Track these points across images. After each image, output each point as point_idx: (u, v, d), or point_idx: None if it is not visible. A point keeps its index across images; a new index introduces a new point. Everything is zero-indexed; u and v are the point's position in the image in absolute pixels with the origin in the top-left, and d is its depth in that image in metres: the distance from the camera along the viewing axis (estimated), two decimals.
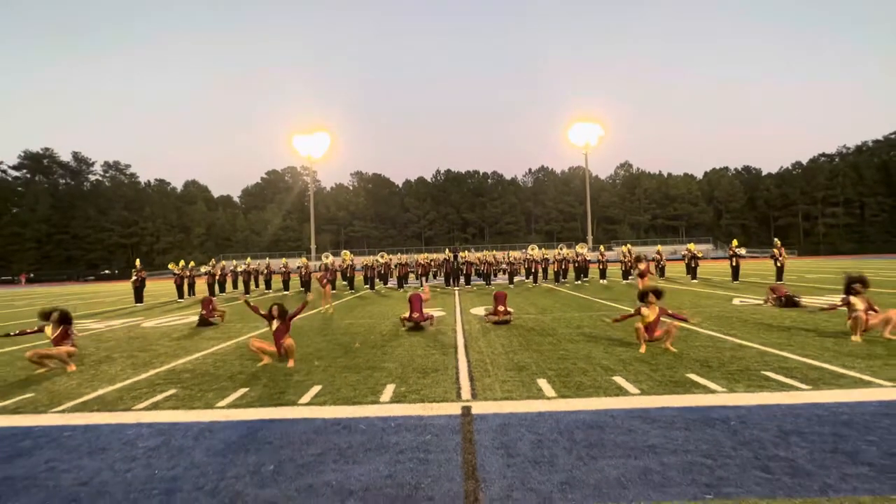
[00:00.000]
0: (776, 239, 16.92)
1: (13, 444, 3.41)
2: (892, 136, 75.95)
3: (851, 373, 4.44)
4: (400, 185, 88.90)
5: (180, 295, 17.70)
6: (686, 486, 2.45)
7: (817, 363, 4.84)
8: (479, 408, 3.83)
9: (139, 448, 3.23)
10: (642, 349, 5.64)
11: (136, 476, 2.80)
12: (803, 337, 6.26)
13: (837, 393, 3.88)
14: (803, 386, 4.09)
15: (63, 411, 4.14)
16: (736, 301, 10.74)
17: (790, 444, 2.92)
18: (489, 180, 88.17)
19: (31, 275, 57.35)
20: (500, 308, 8.27)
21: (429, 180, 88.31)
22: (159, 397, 4.44)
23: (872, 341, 5.78)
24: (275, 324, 5.84)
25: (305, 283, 18.79)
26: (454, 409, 3.83)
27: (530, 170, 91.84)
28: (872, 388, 3.99)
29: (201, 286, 20.92)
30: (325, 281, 12.01)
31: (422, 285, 7.35)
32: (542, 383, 4.45)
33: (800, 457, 2.75)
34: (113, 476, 2.82)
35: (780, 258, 15.26)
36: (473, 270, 20.46)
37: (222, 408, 4.06)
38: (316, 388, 4.54)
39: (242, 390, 4.57)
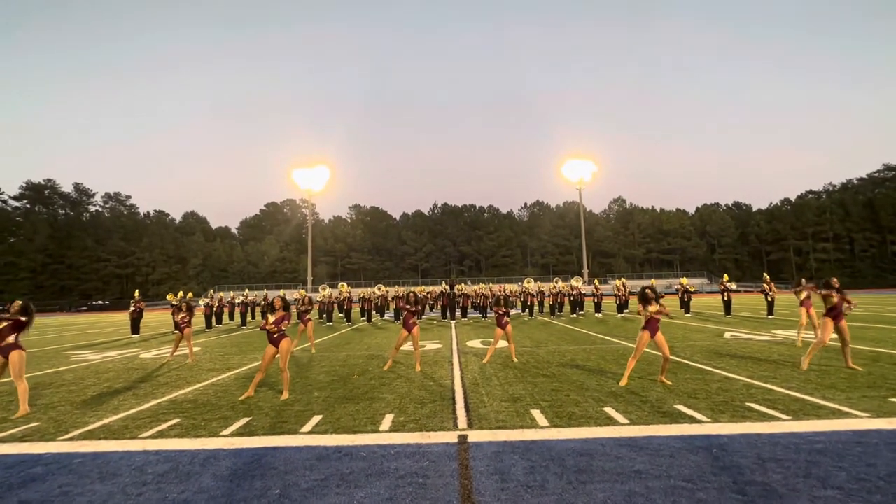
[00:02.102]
0: (766, 274, 17.31)
1: (25, 470, 3.53)
2: (876, 175, 78.41)
3: (831, 404, 4.65)
4: (397, 218, 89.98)
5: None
6: None
7: (799, 395, 5.04)
8: (474, 436, 3.99)
9: (149, 474, 3.36)
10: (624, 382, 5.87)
11: (149, 499, 2.94)
12: (789, 370, 6.46)
13: (816, 423, 4.08)
14: (784, 416, 4.28)
15: (70, 439, 4.26)
16: (727, 335, 10.94)
17: (767, 470, 3.11)
18: (485, 214, 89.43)
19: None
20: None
21: (426, 213, 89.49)
22: (164, 426, 4.56)
23: (852, 375, 6.00)
24: (271, 318, 5.61)
25: (302, 315, 18.82)
26: (451, 437, 3.98)
27: (526, 204, 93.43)
28: (849, 418, 4.19)
29: (198, 318, 20.88)
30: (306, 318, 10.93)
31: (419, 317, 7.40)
32: (536, 413, 4.62)
33: (774, 481, 2.94)
34: (125, 499, 2.96)
35: (771, 293, 15.58)
36: (470, 303, 20.63)
37: (226, 436, 4.19)
38: (316, 418, 4.68)
39: (245, 419, 4.70)
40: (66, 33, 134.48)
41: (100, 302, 58.95)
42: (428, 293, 22.80)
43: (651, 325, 5.83)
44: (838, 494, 2.74)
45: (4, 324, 5.34)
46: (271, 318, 5.66)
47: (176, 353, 9.70)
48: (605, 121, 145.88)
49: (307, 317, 11.04)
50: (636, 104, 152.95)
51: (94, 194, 77.88)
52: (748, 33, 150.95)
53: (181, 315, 9.17)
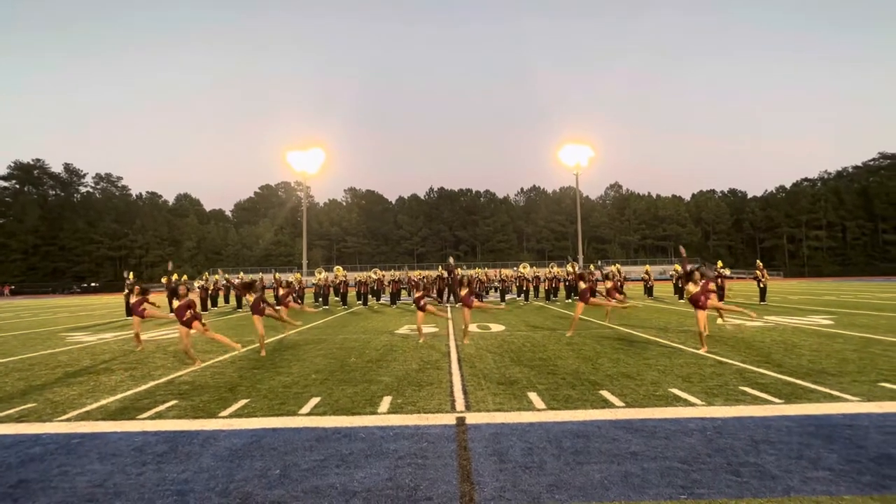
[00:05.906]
0: (758, 261, 17.45)
1: (23, 450, 3.53)
2: (871, 163, 78.75)
3: (822, 388, 4.73)
4: (393, 202, 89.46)
5: (172, 308, 17.62)
6: (663, 488, 2.68)
7: (791, 379, 5.12)
8: (472, 418, 4.02)
9: (148, 454, 3.37)
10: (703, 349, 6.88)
11: (149, 478, 2.95)
12: (781, 355, 6.55)
13: (807, 406, 4.15)
14: (776, 400, 4.36)
15: (68, 420, 4.25)
16: (720, 321, 11.06)
17: (760, 452, 3.16)
18: (482, 199, 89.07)
19: (13, 286, 56.34)
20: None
21: (422, 197, 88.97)
22: (162, 407, 4.57)
23: (843, 360, 6.10)
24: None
25: (299, 298, 18.86)
26: (449, 419, 4.02)
27: (522, 189, 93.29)
28: (840, 402, 4.27)
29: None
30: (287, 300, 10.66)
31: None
32: (533, 396, 4.67)
33: (768, 462, 2.99)
34: (126, 479, 2.97)
35: (763, 279, 15.75)
36: None
37: (225, 417, 4.20)
38: (315, 400, 4.70)
39: (243, 401, 4.71)
40: (57, 11, 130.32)
41: (93, 284, 58.57)
42: (424, 277, 22.83)
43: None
44: (830, 476, 2.79)
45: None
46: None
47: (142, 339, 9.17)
48: (602, 107, 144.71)
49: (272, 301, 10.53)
50: (634, 90, 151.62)
51: (84, 175, 76.68)
52: (745, 21, 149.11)
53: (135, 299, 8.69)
